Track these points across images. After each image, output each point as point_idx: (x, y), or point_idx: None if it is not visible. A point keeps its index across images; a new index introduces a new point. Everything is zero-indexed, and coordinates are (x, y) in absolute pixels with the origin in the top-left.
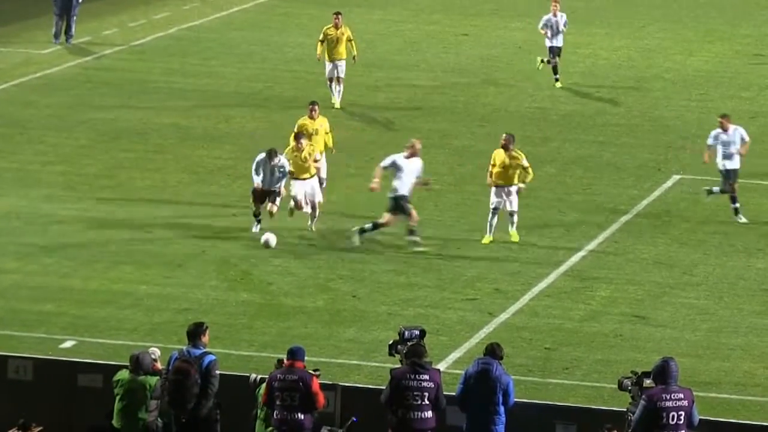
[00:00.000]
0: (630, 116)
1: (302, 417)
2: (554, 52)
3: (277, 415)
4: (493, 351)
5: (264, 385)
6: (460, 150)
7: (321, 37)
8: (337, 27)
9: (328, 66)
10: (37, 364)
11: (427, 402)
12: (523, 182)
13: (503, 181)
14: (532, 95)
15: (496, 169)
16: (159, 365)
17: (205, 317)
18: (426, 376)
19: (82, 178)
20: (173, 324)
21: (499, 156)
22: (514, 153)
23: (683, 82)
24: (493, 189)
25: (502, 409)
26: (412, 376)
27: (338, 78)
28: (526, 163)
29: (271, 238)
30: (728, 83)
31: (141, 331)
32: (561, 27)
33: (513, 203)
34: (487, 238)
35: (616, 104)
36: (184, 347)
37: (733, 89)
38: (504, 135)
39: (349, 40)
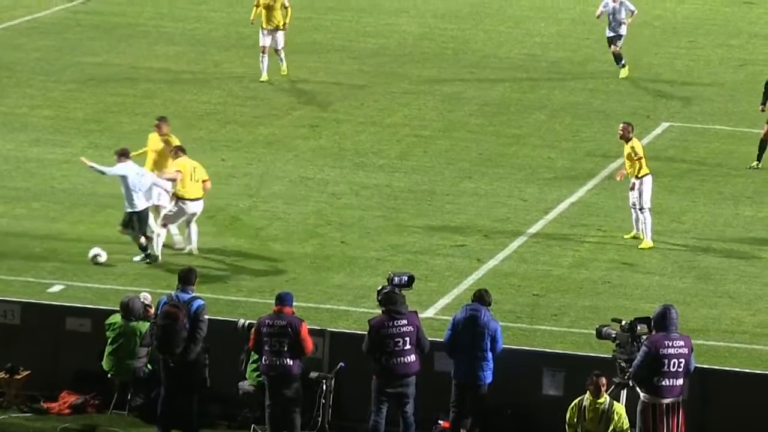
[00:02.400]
0: None
1: (290, 362)
2: (612, 40)
3: (265, 360)
4: (481, 297)
5: (252, 330)
6: (450, 96)
7: (255, 2)
8: None
9: (263, 34)
10: (25, 308)
11: (410, 346)
12: (631, 175)
13: (630, 175)
14: (522, 42)
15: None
16: (152, 311)
17: (194, 262)
18: (404, 321)
19: (70, 123)
20: (161, 269)
21: (623, 148)
22: (631, 144)
23: (673, 29)
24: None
25: (489, 355)
26: (390, 324)
27: (276, 50)
28: (639, 154)
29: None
30: (718, 31)
31: (129, 276)
32: (622, 16)
33: (643, 197)
34: (630, 234)
35: (606, 51)
36: (173, 292)
37: (723, 37)
38: (621, 124)
39: (284, 6)
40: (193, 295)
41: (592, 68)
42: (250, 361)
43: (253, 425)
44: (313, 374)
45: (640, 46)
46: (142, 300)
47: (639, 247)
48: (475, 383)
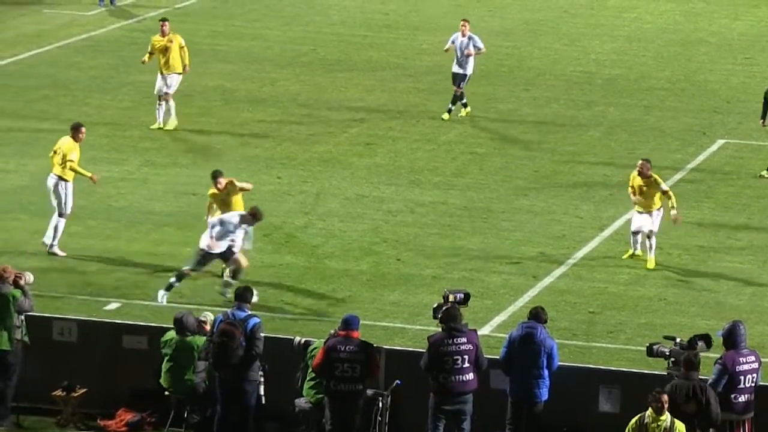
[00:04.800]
0: (675, 80)
1: (361, 387)
2: (457, 79)
3: (334, 385)
4: (537, 315)
5: (318, 352)
6: (505, 114)
7: (149, 48)
8: (163, 34)
9: (158, 81)
10: (82, 326)
11: (468, 364)
12: (674, 207)
13: (642, 207)
14: (577, 59)
15: (636, 195)
16: (208, 327)
17: (249, 279)
18: (464, 339)
19: (126, 140)
20: (217, 286)
21: (635, 181)
22: (652, 179)
23: (728, 46)
24: (635, 213)
25: (546, 372)
26: (450, 341)
27: (166, 94)
28: (665, 188)
29: None
30: None
31: (185, 293)
32: (470, 51)
33: (653, 224)
34: (628, 253)
35: (661, 68)
36: (229, 310)
37: None
38: (640, 161)
39: (180, 47)
40: (249, 312)
41: (647, 85)
42: (307, 379)
43: None
44: (370, 392)
45: (695, 62)
46: (192, 315)
47: (648, 267)
48: (531, 401)
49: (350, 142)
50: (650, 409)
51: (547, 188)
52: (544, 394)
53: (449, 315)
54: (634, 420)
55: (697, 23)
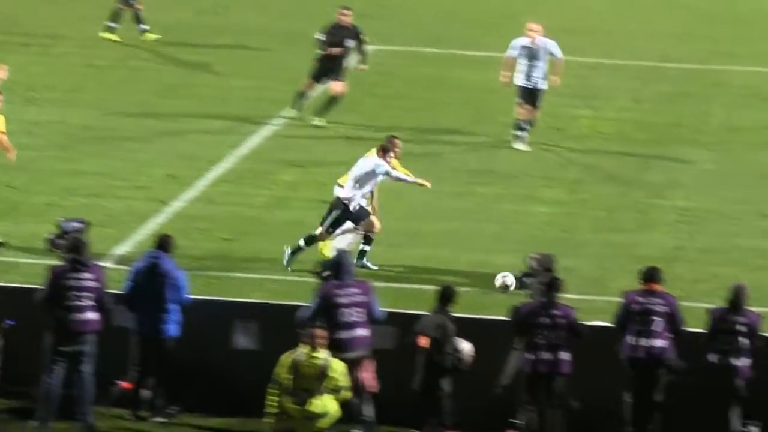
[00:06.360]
0: None
1: None
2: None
3: None
4: (163, 243)
5: None
6: (127, 21)
7: None
8: None
9: None
10: None
11: (90, 303)
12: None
13: None
14: None
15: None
16: None
17: None
18: (88, 275)
19: None
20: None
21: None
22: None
23: None
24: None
25: (174, 306)
26: (72, 275)
27: None
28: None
29: None
30: None
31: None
32: None
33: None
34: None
35: None
36: None
37: None
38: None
39: None
40: None
41: None
42: None
43: None
44: None
45: None
46: None
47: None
48: (158, 337)
49: None
50: (304, 345)
51: (176, 102)
52: (174, 329)
53: (72, 245)
54: (286, 358)
55: None
